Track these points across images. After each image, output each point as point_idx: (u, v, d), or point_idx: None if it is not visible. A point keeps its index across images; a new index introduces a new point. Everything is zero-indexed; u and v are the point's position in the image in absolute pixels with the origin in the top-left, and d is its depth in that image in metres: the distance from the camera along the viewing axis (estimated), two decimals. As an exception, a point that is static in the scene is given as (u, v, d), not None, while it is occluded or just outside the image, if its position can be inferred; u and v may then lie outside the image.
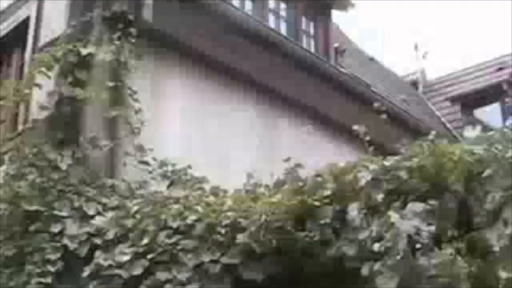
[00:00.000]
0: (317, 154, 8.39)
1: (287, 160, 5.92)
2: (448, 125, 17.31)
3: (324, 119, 10.54)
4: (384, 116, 5.97)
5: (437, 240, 5.12)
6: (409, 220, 4.86)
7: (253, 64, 9.69)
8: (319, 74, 10.82)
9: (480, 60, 18.64)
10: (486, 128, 8.57)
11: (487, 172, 4.70)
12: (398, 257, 4.76)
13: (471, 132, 4.98)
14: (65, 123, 7.84)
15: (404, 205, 5.05)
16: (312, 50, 11.97)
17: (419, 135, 5.44)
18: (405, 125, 12.19)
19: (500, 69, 16.91)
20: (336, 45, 12.79)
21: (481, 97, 16.86)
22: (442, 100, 18.15)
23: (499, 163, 4.61)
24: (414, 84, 19.06)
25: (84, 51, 7.97)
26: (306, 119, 10.01)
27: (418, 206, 4.92)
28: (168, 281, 5.91)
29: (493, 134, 4.91)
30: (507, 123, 4.50)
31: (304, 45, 11.79)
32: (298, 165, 5.87)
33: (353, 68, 13.30)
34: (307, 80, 10.54)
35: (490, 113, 16.02)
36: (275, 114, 10.14)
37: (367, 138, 5.72)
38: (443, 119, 17.68)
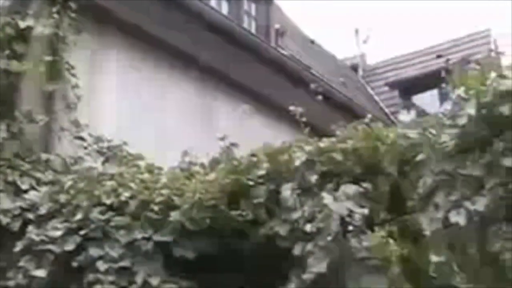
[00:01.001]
0: (254, 134, 8.38)
1: (223, 138, 5.91)
2: (386, 110, 17.49)
3: (263, 100, 10.53)
4: (320, 97, 6.01)
5: (370, 223, 5.21)
6: (342, 202, 4.90)
7: (192, 42, 9.63)
8: (258, 54, 10.80)
9: (420, 46, 18.84)
10: (423, 114, 8.64)
11: (420, 156, 4.75)
12: (330, 238, 4.81)
13: (405, 117, 5.01)
14: (0, 96, 7.72)
15: (337, 187, 5.09)
16: (253, 30, 11.95)
17: (357, 119, 5.48)
18: (343, 108, 12.26)
19: (439, 56, 17.10)
20: (277, 26, 12.79)
21: (420, 83, 17.04)
22: (381, 85, 18.33)
23: (432, 148, 4.66)
24: (354, 68, 19.20)
25: (22, 24, 7.86)
26: (245, 99, 9.96)
27: (351, 188, 4.97)
28: (100, 257, 5.87)
29: (427, 119, 4.95)
30: (442, 109, 4.56)
31: (245, 26, 11.76)
32: (233, 144, 5.88)
33: (293, 50, 13.33)
34: (246, 60, 10.51)
35: (428, 100, 16.21)
36: (213, 93, 10.12)
37: (304, 119, 5.72)
38: (381, 104, 17.85)
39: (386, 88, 18.15)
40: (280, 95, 10.35)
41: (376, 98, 18.14)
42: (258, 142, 5.92)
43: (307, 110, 5.89)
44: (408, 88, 17.79)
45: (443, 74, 4.74)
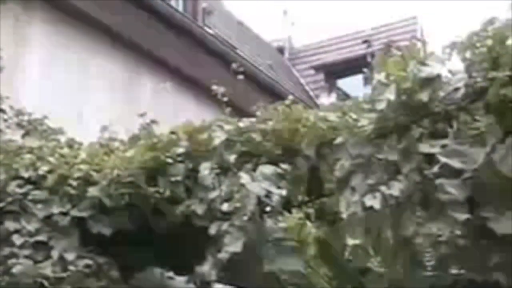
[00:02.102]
0: (178, 112, 8.33)
1: (143, 115, 5.82)
2: (311, 93, 17.55)
3: (188, 78, 10.46)
4: (241, 77, 5.96)
5: (287, 204, 5.21)
6: (259, 182, 4.86)
7: (120, 19, 9.51)
8: (185, 33, 10.72)
9: (347, 31, 18.94)
10: (346, 98, 8.68)
11: (338, 139, 4.73)
12: (246, 218, 4.78)
13: (326, 99, 5.00)
14: None
15: (256, 167, 5.06)
16: (181, 9, 11.82)
17: (281, 100, 5.44)
18: (268, 90, 12.27)
19: (366, 41, 17.23)
20: (204, 5, 12.68)
21: (345, 67, 17.16)
22: (307, 68, 18.40)
23: (351, 131, 4.64)
24: (281, 50, 19.21)
25: None
26: (170, 76, 9.89)
27: (270, 169, 4.94)
28: (16, 231, 5.75)
29: (347, 103, 4.94)
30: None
31: (173, 4, 11.62)
32: (153, 121, 5.79)
33: (221, 30, 13.24)
34: (173, 38, 10.43)
35: (353, 84, 16.30)
36: (139, 70, 10.02)
37: (226, 99, 5.66)
38: (306, 87, 17.92)
39: (312, 71, 18.21)
40: (205, 74, 10.28)
41: (302, 80, 18.20)
42: (180, 120, 5.85)
43: (232, 90, 5.84)
44: (334, 72, 17.90)
45: (368, 59, 4.71)
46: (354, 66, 16.12)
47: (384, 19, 18.65)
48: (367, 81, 13.32)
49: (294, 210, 5.50)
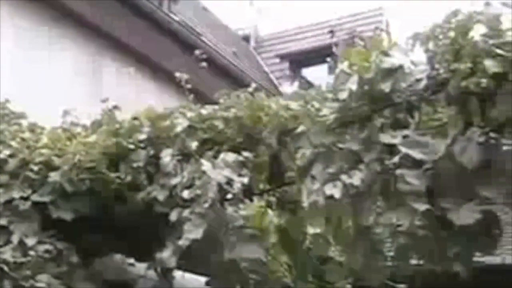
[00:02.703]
0: (141, 98, 8.28)
1: (105, 101, 5.77)
2: (276, 82, 17.53)
3: (152, 64, 10.40)
4: (204, 64, 5.93)
5: (249, 192, 5.19)
6: (221, 169, 4.83)
7: (85, 4, 9.42)
8: (150, 19, 10.64)
9: (313, 20, 18.92)
10: (310, 86, 8.66)
11: (300, 128, 4.71)
12: (206, 205, 4.75)
13: (288, 88, 4.98)
14: None
15: (217, 155, 5.04)
16: (146, -6, 11.69)
17: (246, 88, 5.43)
18: (232, 78, 12.23)
19: (331, 31, 17.22)
20: (170, -9, 12.59)
21: (311, 57, 17.16)
22: (272, 57, 18.36)
23: (313, 120, 4.62)
24: (246, 38, 19.15)
25: None
26: (134, 63, 9.81)
27: (231, 157, 4.91)
28: (-24, 215, 5.66)
29: (310, 92, 4.92)
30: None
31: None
32: (116, 107, 5.74)
33: (186, 17, 13.15)
34: (138, 24, 10.35)
35: (318, 74, 16.30)
36: (103, 55, 9.92)
37: (189, 86, 5.63)
38: (271, 75, 17.88)
39: (277, 60, 18.19)
40: (170, 61, 10.22)
41: (267, 69, 18.17)
42: (143, 106, 5.80)
43: (195, 77, 5.80)
44: (299, 61, 17.90)
45: (334, 49, 4.69)
46: (319, 55, 16.12)
47: (350, 10, 18.68)
48: (331, 70, 13.35)
49: (255, 198, 5.47)
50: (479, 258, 4.39)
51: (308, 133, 4.63)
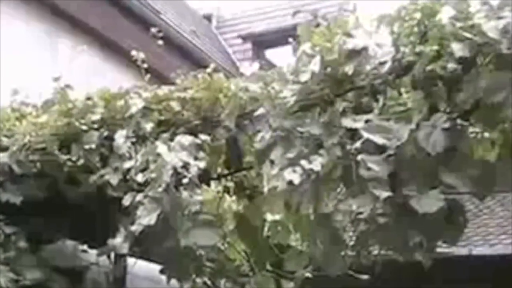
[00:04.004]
0: (95, 77, 8.21)
1: (57, 79, 5.68)
2: (238, 63, 17.43)
3: (108, 42, 10.28)
4: (161, 42, 5.88)
5: (206, 177, 5.16)
6: (176, 152, 4.78)
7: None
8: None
9: (277, 1, 18.84)
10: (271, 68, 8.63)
11: (259, 110, 4.68)
12: (161, 189, 4.69)
13: (248, 69, 4.94)
14: None
15: (173, 137, 4.98)
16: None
17: (205, 69, 5.37)
18: (192, 58, 12.14)
19: (296, 12, 17.15)
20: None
21: (274, 37, 17.07)
22: (234, 37, 18.26)
23: (272, 102, 4.58)
24: (208, 18, 19.02)
25: None
26: (89, 40, 9.70)
27: (187, 139, 4.85)
28: None
29: (270, 73, 4.88)
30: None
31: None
32: (68, 86, 5.65)
33: (146, -7, 13.01)
34: (93, 1, 10.23)
35: (282, 55, 16.22)
36: (57, 32, 9.77)
37: (145, 65, 5.55)
38: (233, 57, 17.80)
39: (240, 41, 18.10)
40: (126, 39, 10.09)
41: (229, 50, 18.07)
42: (97, 85, 5.75)
43: (153, 56, 5.75)
44: (262, 41, 17.83)
45: (297, 30, 4.65)
46: (283, 36, 15.98)
47: (315, -10, 18.64)
48: (295, 52, 13.28)
49: (212, 183, 5.47)
50: (445, 249, 4.38)
51: (267, 116, 4.60)
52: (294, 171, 4.28)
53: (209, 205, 5.26)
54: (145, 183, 4.87)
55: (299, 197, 4.39)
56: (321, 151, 4.29)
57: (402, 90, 4.36)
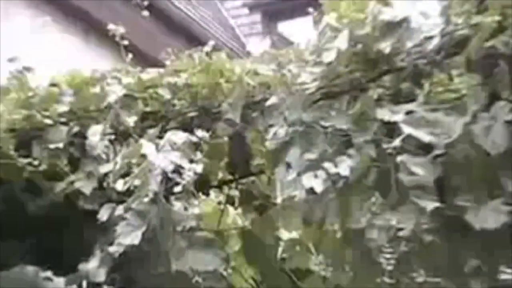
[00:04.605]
0: (62, 58, 8.26)
1: (14, 60, 5.71)
2: (243, 39, 17.51)
3: (78, 14, 10.37)
4: (146, 13, 5.90)
5: (204, 184, 5.22)
6: (166, 153, 4.79)
7: None
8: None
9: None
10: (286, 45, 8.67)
11: (271, 100, 4.69)
12: (146, 200, 4.72)
13: (257, 47, 4.97)
14: None
15: (163, 134, 5.02)
16: None
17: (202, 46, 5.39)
18: (186, 34, 12.21)
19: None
20: None
21: (290, 7, 17.13)
22: (239, 7, 18.32)
23: (289, 90, 4.60)
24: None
25: None
26: (55, 10, 9.78)
27: (181, 136, 4.86)
28: None
29: (285, 52, 4.90)
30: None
31: None
32: (28, 69, 5.68)
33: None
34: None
35: (299, 29, 16.26)
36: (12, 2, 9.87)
37: (126, 42, 5.58)
38: (238, 31, 17.86)
39: (246, 11, 18.16)
40: (102, 10, 10.16)
41: (232, 22, 18.13)
42: (65, 67, 5.76)
43: (136, 31, 5.79)
44: (274, 12, 17.89)
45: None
46: (301, 5, 16.03)
47: None
48: (316, 25, 13.33)
49: (212, 192, 5.50)
50: (510, 275, 4.39)
51: (282, 106, 4.61)
52: (316, 176, 4.29)
53: (208, 219, 5.29)
54: (127, 192, 4.88)
55: (322, 209, 4.40)
56: (350, 151, 4.30)
57: (454, 72, 4.33)
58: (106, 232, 4.96)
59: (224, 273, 5.62)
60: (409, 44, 4.33)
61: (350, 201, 4.37)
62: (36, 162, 5.38)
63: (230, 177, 5.46)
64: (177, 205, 4.81)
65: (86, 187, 5.21)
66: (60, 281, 5.69)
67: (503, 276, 4.33)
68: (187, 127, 5.09)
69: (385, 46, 4.33)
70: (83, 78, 5.55)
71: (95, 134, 5.24)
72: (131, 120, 5.24)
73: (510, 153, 3.97)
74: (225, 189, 5.56)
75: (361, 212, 4.38)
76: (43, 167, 5.37)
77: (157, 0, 10.08)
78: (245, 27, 17.88)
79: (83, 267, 5.11)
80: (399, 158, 4.09)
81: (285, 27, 17.66)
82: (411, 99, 4.30)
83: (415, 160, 4.06)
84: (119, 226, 4.80)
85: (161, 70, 5.44)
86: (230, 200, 5.60)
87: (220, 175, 5.45)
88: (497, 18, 4.03)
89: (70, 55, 9.33)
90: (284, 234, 5.70)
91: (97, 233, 5.08)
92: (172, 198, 4.80)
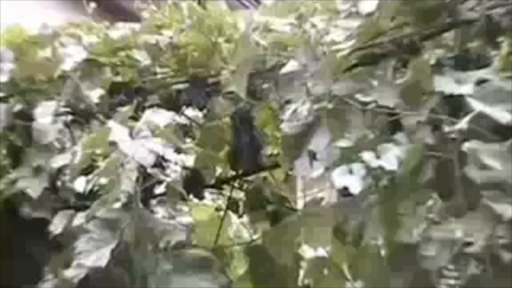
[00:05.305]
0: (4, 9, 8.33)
1: None
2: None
3: None
4: None
5: (197, 183, 5.28)
6: (145, 139, 4.79)
7: None
8: None
9: None
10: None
11: (289, 66, 4.68)
12: (118, 206, 4.74)
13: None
14: None
15: (139, 113, 5.04)
16: None
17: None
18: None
19: None
20: None
21: None
22: None
23: (312, 51, 4.59)
24: None
25: None
26: None
27: (163, 117, 4.85)
28: None
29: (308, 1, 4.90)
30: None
31: None
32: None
33: None
34: None
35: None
36: None
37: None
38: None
39: None
40: None
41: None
42: (5, 22, 5.79)
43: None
44: None
45: None
46: None
47: None
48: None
49: (208, 194, 5.52)
50: None
51: (304, 75, 4.59)
52: (351, 172, 4.27)
53: (203, 231, 5.30)
54: (90, 195, 4.91)
55: (359, 216, 4.38)
56: (399, 136, 4.27)
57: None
58: (61, 250, 5.01)
59: (225, 305, 5.68)
60: (480, -11, 4.34)
61: (399, 205, 4.35)
62: (-38, 153, 5.43)
63: (232, 173, 5.52)
64: (160, 212, 4.84)
65: (33, 187, 5.22)
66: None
67: None
68: (173, 104, 5.14)
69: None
70: (28, 37, 5.58)
71: (45, 115, 5.25)
72: (94, 95, 5.25)
73: None
74: (226, 189, 5.60)
75: (413, 221, 4.33)
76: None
77: None
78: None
79: (31, 296, 5.13)
80: (466, 146, 4.06)
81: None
82: (483, 64, 4.29)
83: (489, 148, 4.05)
84: (79, 242, 4.80)
85: (137, 25, 5.47)
86: (232, 205, 5.63)
87: (219, 170, 5.51)
88: None
89: (10, 4, 9.41)
90: (307, 252, 5.71)
91: (49, 251, 5.13)
92: (152, 202, 4.86)
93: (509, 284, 4.16)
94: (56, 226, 5.00)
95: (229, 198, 5.55)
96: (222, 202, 5.57)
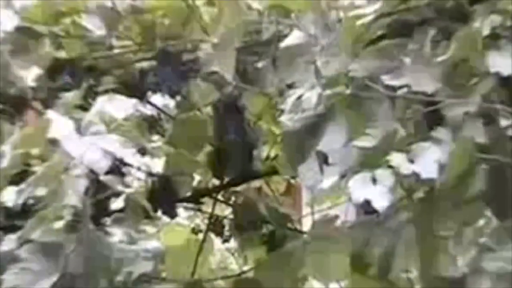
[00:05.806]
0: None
1: None
2: None
3: None
4: None
5: (167, 195, 5.14)
6: (97, 137, 4.69)
7: None
8: None
9: None
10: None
11: (292, 37, 4.61)
12: (59, 226, 4.66)
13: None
14: None
15: (90, 101, 5.00)
16: None
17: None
18: None
19: None
20: None
21: None
22: None
23: (323, 19, 4.50)
24: None
25: None
26: None
27: (123, 107, 4.76)
28: None
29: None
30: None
31: None
32: None
33: None
34: None
35: None
36: None
37: None
38: None
39: None
40: None
41: None
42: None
43: None
44: None
45: None
46: None
47: None
48: None
49: (182, 210, 5.45)
50: None
51: (311, 50, 4.47)
52: (375, 181, 4.12)
53: (175, 260, 5.26)
54: (24, 212, 4.81)
55: (386, 240, 4.27)
56: (440, 133, 4.14)
57: None
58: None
59: None
60: None
61: (439, 226, 4.24)
62: None
63: (215, 182, 5.48)
64: (117, 235, 4.71)
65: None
66: None
67: None
68: (135, 89, 5.02)
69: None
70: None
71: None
72: (29, 76, 5.13)
73: None
74: (207, 204, 5.53)
75: (459, 247, 4.23)
76: None
77: None
78: None
79: None
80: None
81: None
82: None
83: None
84: (7, 274, 4.73)
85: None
86: (215, 226, 5.57)
87: (197, 178, 5.43)
88: None
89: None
90: (314, 284, 5.62)
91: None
92: (107, 221, 4.71)
93: None
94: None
95: (211, 216, 5.43)
96: (201, 221, 5.43)
